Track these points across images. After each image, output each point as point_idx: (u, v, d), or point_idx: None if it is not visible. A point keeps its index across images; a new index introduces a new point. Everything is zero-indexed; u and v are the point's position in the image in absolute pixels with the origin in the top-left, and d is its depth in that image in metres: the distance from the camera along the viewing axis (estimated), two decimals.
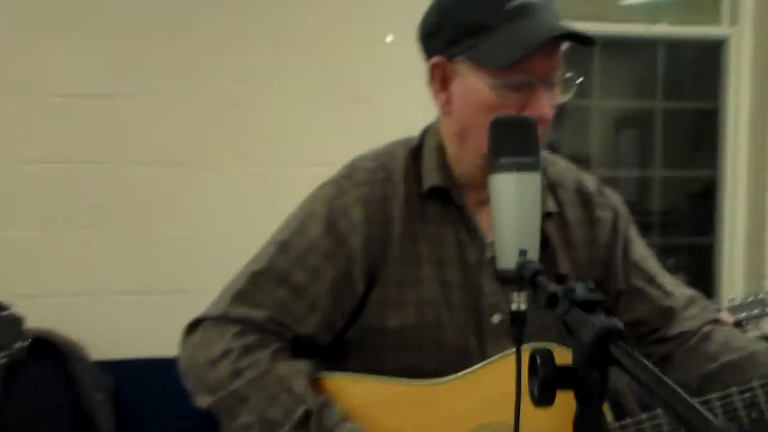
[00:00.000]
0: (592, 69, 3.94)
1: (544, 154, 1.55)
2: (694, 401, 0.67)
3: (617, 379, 0.78)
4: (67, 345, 3.10)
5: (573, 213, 1.58)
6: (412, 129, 1.59)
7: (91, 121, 3.21)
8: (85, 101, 3.20)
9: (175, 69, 3.26)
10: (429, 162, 1.50)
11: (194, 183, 3.31)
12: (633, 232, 1.64)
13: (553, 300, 0.91)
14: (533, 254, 1.14)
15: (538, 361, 0.85)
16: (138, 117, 3.24)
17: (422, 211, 1.49)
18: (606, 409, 1.19)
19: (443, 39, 1.42)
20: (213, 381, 1.42)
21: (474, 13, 1.39)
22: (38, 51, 3.17)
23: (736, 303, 2.52)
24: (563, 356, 0.84)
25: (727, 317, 2.31)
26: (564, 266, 1.53)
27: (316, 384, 1.42)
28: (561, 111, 1.46)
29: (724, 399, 1.45)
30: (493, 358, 1.46)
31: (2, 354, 1.90)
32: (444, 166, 1.50)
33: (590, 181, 1.64)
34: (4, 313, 1.92)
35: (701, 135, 4.09)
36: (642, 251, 1.64)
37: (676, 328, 1.59)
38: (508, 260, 1.15)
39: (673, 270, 1.73)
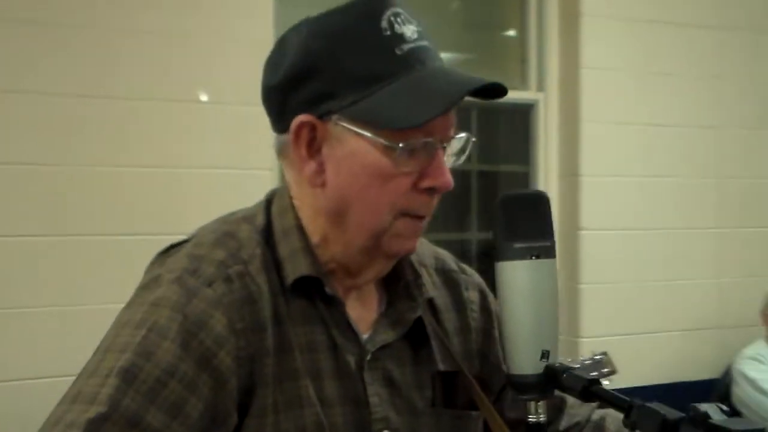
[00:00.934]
0: None
1: None
2: None
3: None
4: None
5: (440, 297, 1.34)
6: None
7: None
8: None
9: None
10: (288, 245, 1.20)
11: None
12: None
13: (672, 428, 0.74)
14: (555, 355, 0.99)
15: None
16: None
17: (289, 309, 1.18)
18: None
19: (313, 91, 1.14)
20: None
21: (360, 58, 1.12)
22: None
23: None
24: None
25: None
26: (443, 362, 1.29)
27: None
28: None
29: None
30: None
31: None
32: (309, 249, 1.20)
33: (448, 257, 1.42)
34: None
35: None
36: None
37: (567, 420, 1.42)
38: (523, 364, 0.99)
39: None
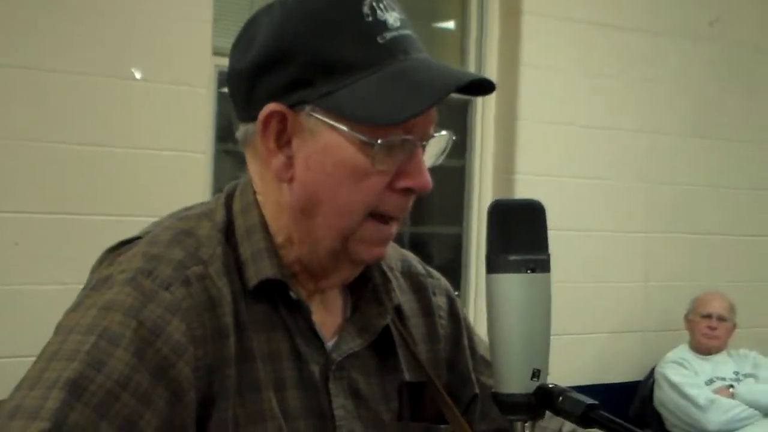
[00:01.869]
0: None
1: None
2: None
3: None
4: None
5: (407, 302, 1.26)
6: None
7: None
8: None
9: None
10: (250, 245, 1.10)
11: None
12: (468, 319, 1.37)
13: None
14: (546, 375, 0.93)
15: None
16: None
17: (250, 315, 1.08)
18: None
19: (286, 78, 1.05)
20: None
21: (338, 45, 1.03)
22: None
23: None
24: None
25: None
26: (410, 371, 1.21)
27: None
28: None
29: None
30: None
31: None
32: (273, 250, 1.11)
33: (414, 259, 1.33)
34: None
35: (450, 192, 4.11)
36: (483, 342, 1.34)
37: None
38: (511, 383, 0.93)
39: None
